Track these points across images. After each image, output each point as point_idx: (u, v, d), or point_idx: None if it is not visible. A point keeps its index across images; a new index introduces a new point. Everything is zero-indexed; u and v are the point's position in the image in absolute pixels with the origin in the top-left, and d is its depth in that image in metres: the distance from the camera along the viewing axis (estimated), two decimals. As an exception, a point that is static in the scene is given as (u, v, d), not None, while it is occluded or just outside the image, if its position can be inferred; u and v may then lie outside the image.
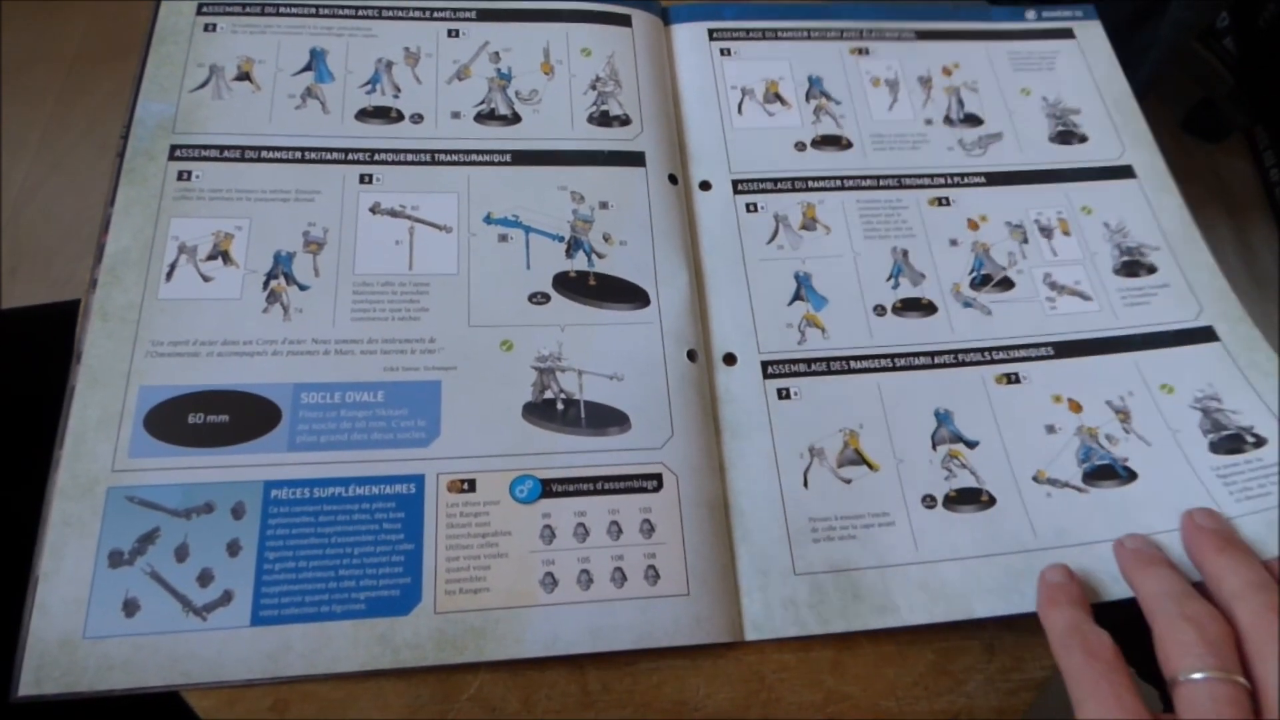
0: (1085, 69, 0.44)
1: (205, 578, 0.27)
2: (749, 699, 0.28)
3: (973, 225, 0.39)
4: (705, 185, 0.38)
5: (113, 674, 0.26)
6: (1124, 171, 0.41)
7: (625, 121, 0.38)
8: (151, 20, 0.37)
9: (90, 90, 1.09)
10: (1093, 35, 0.45)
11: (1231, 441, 0.33)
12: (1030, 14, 0.45)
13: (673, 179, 0.37)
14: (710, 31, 0.42)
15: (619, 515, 0.30)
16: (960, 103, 0.42)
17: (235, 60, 0.37)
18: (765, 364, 0.34)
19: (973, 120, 0.41)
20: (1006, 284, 0.37)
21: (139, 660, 0.26)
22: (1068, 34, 0.45)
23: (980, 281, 0.37)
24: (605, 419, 0.32)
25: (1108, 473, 0.33)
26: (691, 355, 0.33)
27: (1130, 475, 0.33)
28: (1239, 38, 1.13)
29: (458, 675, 0.27)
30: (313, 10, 0.39)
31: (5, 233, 0.96)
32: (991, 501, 0.32)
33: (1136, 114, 0.42)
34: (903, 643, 0.30)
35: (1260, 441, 0.33)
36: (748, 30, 0.42)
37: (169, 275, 0.32)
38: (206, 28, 0.38)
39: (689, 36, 0.42)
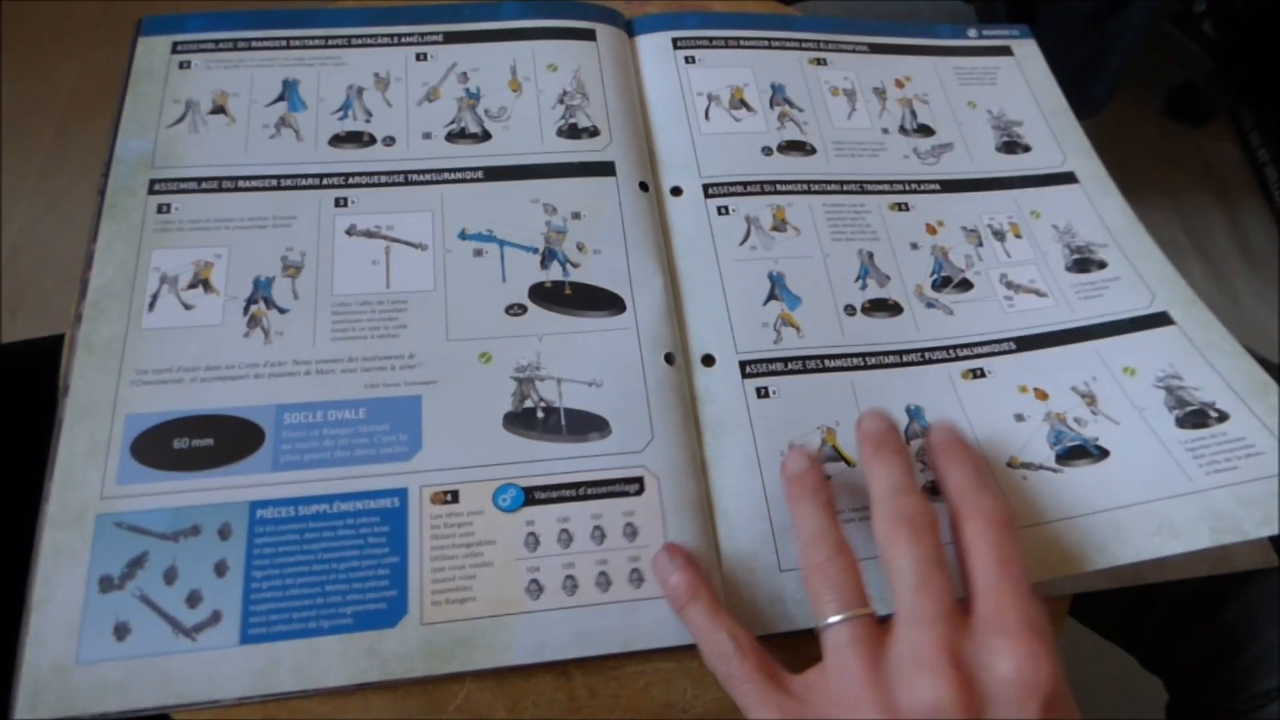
0: (1024, 84, 0.46)
1: (194, 599, 0.28)
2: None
3: (931, 230, 0.40)
4: (676, 191, 0.39)
5: (106, 697, 0.26)
6: (1066, 178, 0.43)
7: (594, 133, 0.39)
8: (128, 61, 0.38)
9: (84, 133, 1.11)
10: (1029, 53, 0.47)
11: (1196, 417, 0.34)
12: (971, 32, 0.48)
13: (644, 186, 0.38)
14: (674, 40, 0.43)
15: (602, 520, 0.30)
16: (913, 114, 0.43)
17: (210, 94, 0.38)
18: (743, 364, 0.34)
19: (925, 130, 0.43)
20: (965, 285, 0.38)
21: (132, 683, 0.26)
22: (1006, 51, 0.47)
23: (940, 283, 0.38)
24: (585, 425, 0.32)
25: (1080, 452, 0.33)
26: (669, 358, 0.34)
27: (1102, 453, 0.33)
28: (1217, 20, 1.13)
29: (444, 685, 0.28)
30: (283, 43, 0.40)
31: (5, 276, 0.98)
32: None
33: (1074, 124, 0.45)
34: (888, 633, 0.30)
35: (1223, 416, 0.34)
36: (710, 39, 0.43)
37: (151, 305, 0.33)
38: (181, 65, 0.38)
39: (653, 46, 0.43)
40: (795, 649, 0.29)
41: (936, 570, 0.25)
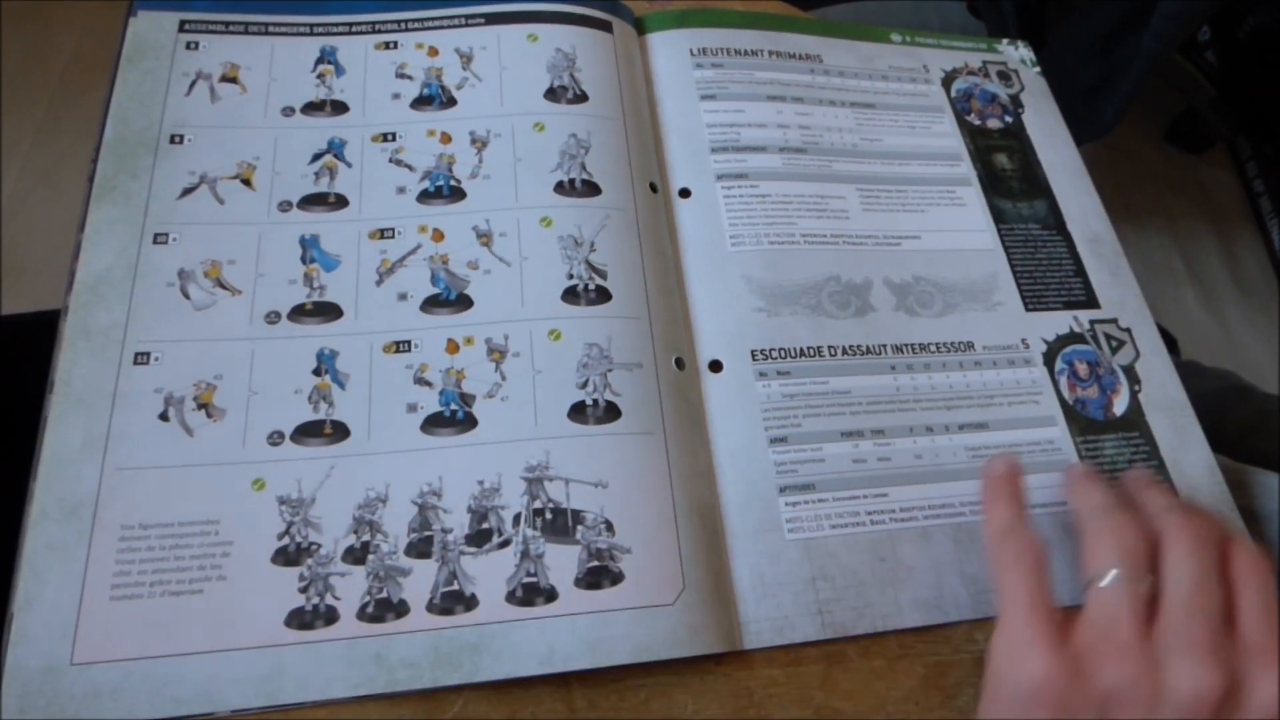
0: None
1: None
2: (738, 715, 0.28)
3: None
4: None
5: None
6: None
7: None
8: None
9: (79, 100, 1.09)
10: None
11: None
12: None
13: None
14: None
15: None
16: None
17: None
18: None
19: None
20: None
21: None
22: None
23: None
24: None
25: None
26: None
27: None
28: (1220, 50, 1.14)
29: (441, 694, 0.27)
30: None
31: (-6, 247, 0.96)
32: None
33: None
34: (892, 657, 0.30)
35: None
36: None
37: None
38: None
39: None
40: (796, 666, 0.29)
41: (1214, 582, 0.24)
